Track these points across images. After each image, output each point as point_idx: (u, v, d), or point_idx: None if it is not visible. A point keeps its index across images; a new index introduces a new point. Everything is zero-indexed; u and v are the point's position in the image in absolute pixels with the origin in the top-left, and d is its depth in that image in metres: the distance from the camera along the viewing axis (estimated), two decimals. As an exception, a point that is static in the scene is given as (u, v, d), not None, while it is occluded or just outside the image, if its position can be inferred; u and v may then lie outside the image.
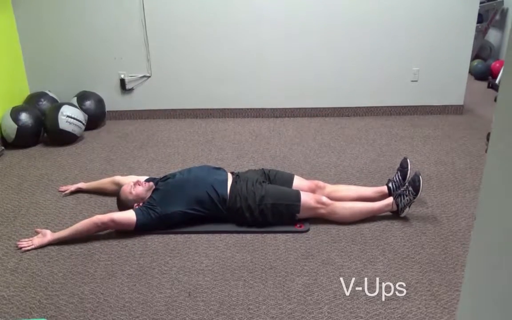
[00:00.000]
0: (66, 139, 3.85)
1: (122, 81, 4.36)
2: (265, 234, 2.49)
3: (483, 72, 5.59)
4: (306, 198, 2.53)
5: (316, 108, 4.41)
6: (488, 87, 5.29)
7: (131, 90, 4.42)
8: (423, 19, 4.11)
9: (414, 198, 2.54)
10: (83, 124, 3.95)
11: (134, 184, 2.61)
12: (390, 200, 2.61)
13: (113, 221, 2.45)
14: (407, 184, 2.61)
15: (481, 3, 4.50)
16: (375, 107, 4.40)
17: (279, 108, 4.42)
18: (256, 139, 3.91)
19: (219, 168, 2.73)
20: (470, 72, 5.06)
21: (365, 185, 3.02)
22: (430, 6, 4.07)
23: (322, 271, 2.20)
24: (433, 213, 2.68)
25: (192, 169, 2.71)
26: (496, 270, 0.81)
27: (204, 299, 2.04)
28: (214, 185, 2.54)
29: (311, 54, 4.24)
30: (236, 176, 2.67)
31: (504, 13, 5.87)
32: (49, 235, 2.45)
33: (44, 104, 4.08)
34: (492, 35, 6.08)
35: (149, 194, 2.61)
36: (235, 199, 2.52)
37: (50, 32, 4.22)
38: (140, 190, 2.59)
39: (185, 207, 2.51)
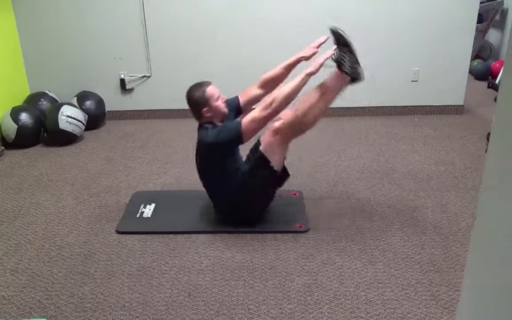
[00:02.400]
0: (66, 139, 3.85)
1: (122, 81, 4.36)
2: (265, 234, 2.49)
3: (483, 72, 5.59)
4: (264, 143, 2.36)
5: (316, 108, 4.41)
6: (488, 87, 5.29)
7: (131, 90, 4.42)
8: (423, 19, 4.11)
9: (352, 53, 2.35)
10: (83, 124, 3.95)
11: (222, 98, 2.46)
12: (336, 73, 2.41)
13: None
14: (335, 47, 2.40)
15: (481, 3, 4.49)
16: (375, 107, 4.40)
17: (279, 108, 4.42)
18: (256, 139, 3.90)
19: None
20: (470, 72, 5.06)
21: (365, 185, 3.03)
22: (430, 6, 4.07)
23: (322, 271, 2.20)
24: (433, 213, 2.69)
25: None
26: (496, 270, 0.81)
27: (204, 299, 2.04)
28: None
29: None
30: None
31: (504, 13, 5.87)
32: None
33: (44, 104, 4.08)
34: (492, 35, 6.07)
35: (218, 119, 2.46)
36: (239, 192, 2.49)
37: (50, 32, 4.22)
38: (221, 105, 2.44)
39: (231, 176, 2.45)
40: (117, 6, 4.13)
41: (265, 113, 2.30)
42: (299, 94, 2.38)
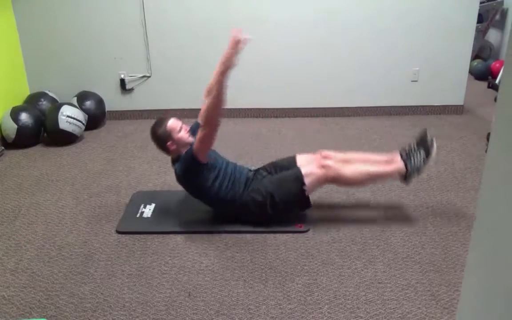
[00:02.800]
0: (66, 139, 3.85)
1: (122, 81, 4.36)
2: (265, 234, 2.49)
3: (483, 72, 5.59)
4: (309, 167, 2.46)
5: (316, 108, 4.41)
6: (488, 87, 5.29)
7: (131, 90, 4.42)
8: (423, 19, 4.11)
9: (425, 162, 2.41)
10: (83, 124, 3.95)
11: (185, 128, 2.52)
12: (401, 163, 2.47)
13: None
14: (417, 146, 2.49)
15: (481, 3, 4.50)
16: (375, 107, 4.40)
17: (279, 108, 4.42)
18: (256, 139, 3.91)
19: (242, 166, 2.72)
20: (470, 72, 5.06)
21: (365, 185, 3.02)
22: (430, 7, 4.07)
23: (322, 271, 2.20)
24: (433, 213, 2.68)
25: (229, 162, 2.67)
26: (496, 270, 0.81)
27: (204, 299, 2.04)
28: (242, 170, 2.58)
29: (311, 54, 4.24)
30: (253, 173, 2.66)
31: (504, 13, 5.87)
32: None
33: (44, 104, 4.08)
34: (492, 35, 6.07)
35: (184, 149, 2.50)
36: (246, 196, 2.51)
37: (50, 32, 4.22)
38: (184, 136, 2.50)
39: (216, 190, 2.48)
40: (117, 6, 4.13)
41: (202, 133, 2.34)
42: (365, 156, 2.60)
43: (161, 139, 2.50)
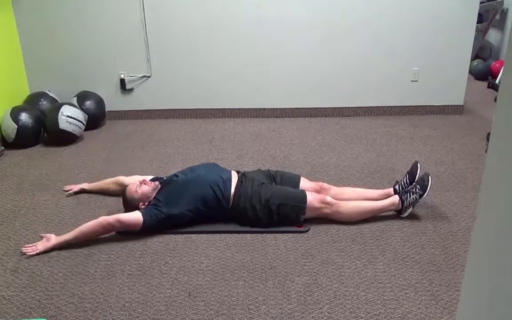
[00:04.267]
0: (66, 139, 3.85)
1: (122, 81, 4.36)
2: (265, 234, 2.49)
3: (483, 72, 5.59)
4: (311, 199, 2.53)
5: (316, 108, 4.41)
6: (488, 87, 5.29)
7: (131, 90, 4.42)
8: (423, 19, 4.11)
9: (420, 197, 2.54)
10: (83, 124, 3.95)
11: (140, 183, 2.60)
12: (395, 198, 2.60)
13: (119, 221, 2.43)
14: (414, 182, 2.62)
15: (481, 3, 4.50)
16: (375, 107, 4.40)
17: (279, 108, 4.42)
18: (256, 139, 3.91)
19: (223, 168, 2.73)
20: (470, 72, 5.06)
21: (365, 185, 3.02)
22: (430, 6, 4.07)
23: (322, 271, 2.20)
24: (433, 213, 2.68)
25: (195, 168, 2.71)
26: (496, 270, 0.81)
27: (204, 299, 2.04)
28: (218, 183, 2.54)
29: (311, 54, 4.24)
30: (242, 175, 2.67)
31: (504, 13, 5.87)
32: (53, 239, 2.42)
33: (44, 104, 4.08)
34: (492, 35, 6.08)
35: (154, 193, 2.60)
36: (240, 199, 2.52)
37: (50, 32, 4.22)
38: (146, 189, 2.58)
39: (190, 207, 2.51)
40: (117, 6, 4.13)
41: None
42: (361, 191, 2.76)
43: (135, 204, 2.58)
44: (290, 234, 2.49)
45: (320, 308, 1.97)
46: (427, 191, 2.54)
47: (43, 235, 2.48)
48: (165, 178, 2.72)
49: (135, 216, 2.46)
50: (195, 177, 2.59)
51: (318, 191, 2.67)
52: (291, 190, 2.60)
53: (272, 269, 2.22)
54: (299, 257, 2.31)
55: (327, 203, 2.53)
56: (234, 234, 2.51)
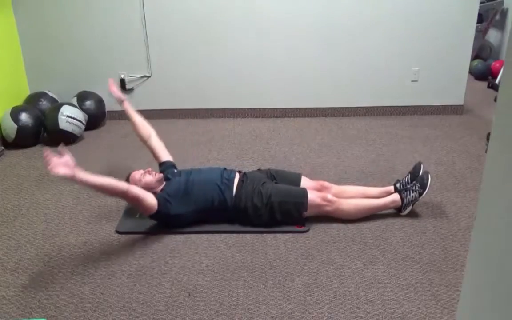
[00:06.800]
0: (66, 139, 3.84)
1: (122, 81, 4.36)
2: (265, 234, 2.49)
3: (483, 72, 5.59)
4: (313, 196, 2.54)
5: (316, 108, 4.41)
6: (488, 87, 5.29)
7: (131, 90, 4.42)
8: (423, 19, 4.11)
9: (419, 195, 2.56)
10: (83, 124, 3.95)
11: (144, 172, 2.59)
12: (396, 196, 2.62)
13: (138, 200, 2.37)
14: (414, 181, 2.64)
15: (481, 3, 4.50)
16: (375, 107, 4.40)
17: (279, 108, 4.42)
18: (256, 139, 3.91)
19: (228, 169, 2.73)
20: (470, 72, 5.06)
21: (365, 185, 3.02)
22: (430, 6, 4.07)
23: (322, 271, 2.20)
24: (433, 213, 2.69)
25: (202, 170, 2.71)
26: (496, 270, 0.81)
27: (204, 299, 2.04)
28: (221, 184, 2.55)
29: (311, 54, 4.24)
30: (243, 175, 2.67)
31: (504, 13, 5.86)
32: (76, 173, 2.11)
33: (44, 104, 4.08)
34: (492, 35, 6.07)
35: (158, 185, 2.57)
36: (241, 198, 2.52)
37: (50, 32, 4.22)
38: (149, 179, 2.56)
39: (198, 207, 2.52)
40: (117, 6, 4.13)
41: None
42: (362, 189, 2.77)
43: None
44: (290, 234, 2.49)
45: (320, 308, 1.97)
46: (427, 189, 2.55)
47: (60, 151, 2.18)
48: (170, 171, 2.71)
49: (153, 202, 2.43)
50: (201, 179, 2.59)
51: (319, 189, 2.67)
52: (292, 188, 2.61)
53: (272, 269, 2.22)
54: (299, 257, 2.31)
55: (328, 201, 2.54)
56: (234, 234, 2.51)
